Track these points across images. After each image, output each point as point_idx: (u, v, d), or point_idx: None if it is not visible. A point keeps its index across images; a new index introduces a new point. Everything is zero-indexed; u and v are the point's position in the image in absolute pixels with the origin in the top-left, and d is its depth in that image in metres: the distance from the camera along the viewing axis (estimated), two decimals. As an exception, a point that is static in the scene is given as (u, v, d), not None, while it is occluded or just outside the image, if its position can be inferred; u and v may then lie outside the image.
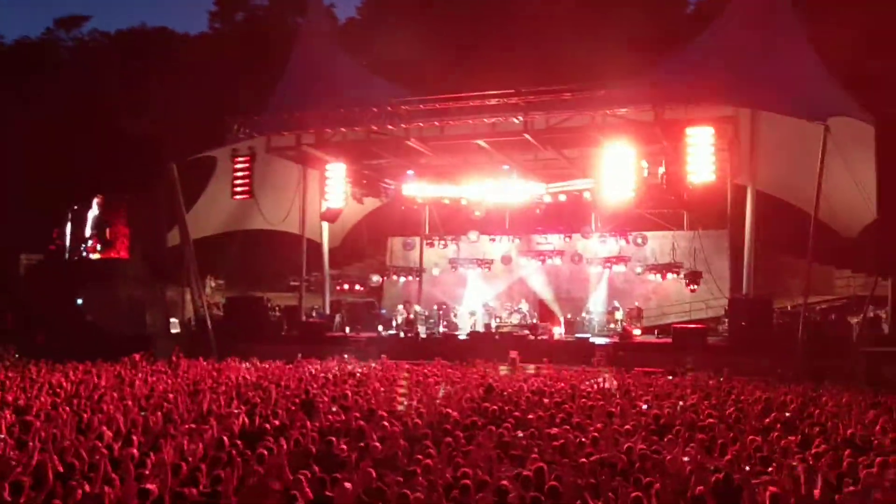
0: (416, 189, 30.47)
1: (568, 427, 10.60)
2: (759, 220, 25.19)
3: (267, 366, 19.82)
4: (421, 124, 25.09)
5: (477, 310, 29.64)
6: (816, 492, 7.02)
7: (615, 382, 16.72)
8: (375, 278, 33.26)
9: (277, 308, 29.79)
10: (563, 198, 28.69)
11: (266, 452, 8.75)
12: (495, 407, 12.26)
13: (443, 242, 32.50)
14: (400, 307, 30.11)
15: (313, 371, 18.86)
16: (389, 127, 25.16)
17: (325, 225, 29.91)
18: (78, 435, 9.74)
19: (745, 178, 25.82)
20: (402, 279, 33.17)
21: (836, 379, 18.67)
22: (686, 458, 8.73)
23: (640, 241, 30.38)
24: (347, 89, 28.38)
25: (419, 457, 8.63)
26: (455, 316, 29.41)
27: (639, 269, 29.90)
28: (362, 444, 9.52)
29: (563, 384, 16.31)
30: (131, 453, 8.44)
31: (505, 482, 7.53)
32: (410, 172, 30.25)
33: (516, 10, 41.61)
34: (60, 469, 7.84)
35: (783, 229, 27.76)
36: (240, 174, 26.07)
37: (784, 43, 24.34)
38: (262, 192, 27.46)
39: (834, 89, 24.17)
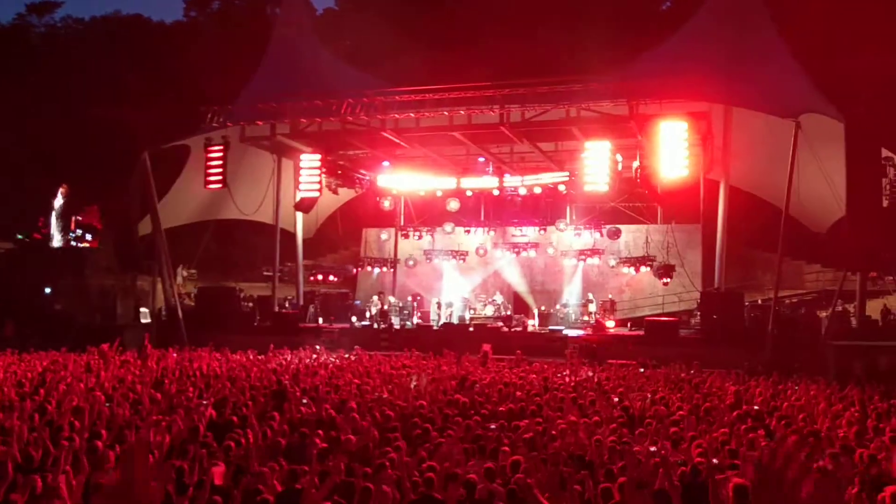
0: (392, 180, 30.39)
1: (539, 419, 10.62)
2: (731, 215, 25.41)
3: (238, 357, 19.65)
4: (397, 115, 24.99)
5: (451, 301, 29.64)
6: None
7: (588, 375, 16.77)
8: (349, 269, 33.19)
9: (250, 298, 29.64)
10: (538, 190, 28.76)
11: (233, 444, 8.68)
12: (467, 399, 12.26)
13: (418, 234, 32.46)
14: (374, 298, 30.07)
15: (285, 362, 18.74)
16: (365, 118, 25.03)
17: (300, 215, 29.72)
18: (42, 426, 9.58)
19: (718, 173, 26.03)
20: (377, 270, 33.15)
21: (805, 372, 18.89)
22: (653, 449, 8.79)
23: (613, 234, 30.53)
24: (323, 79, 28.18)
25: (389, 449, 8.60)
26: (440, 307, 29.31)
27: (612, 262, 30.11)
28: (333, 436, 9.47)
29: (535, 376, 16.35)
30: (96, 445, 8.33)
31: (473, 475, 7.52)
32: (386, 163, 30.18)
33: (494, 4, 41.58)
34: (20, 461, 7.72)
35: (755, 224, 28.06)
36: (213, 163, 25.82)
37: (757, 40, 24.51)
38: (236, 182, 27.24)
39: (805, 86, 24.38)
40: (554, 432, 9.84)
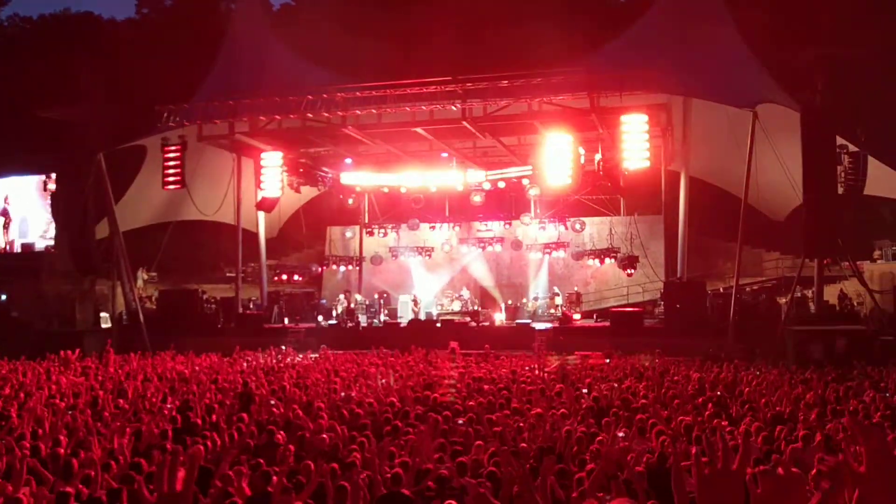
0: (355, 177, 30.25)
1: (507, 412, 10.64)
2: (692, 206, 25.75)
3: (203, 359, 19.41)
4: (358, 112, 24.84)
5: (418, 297, 29.60)
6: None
7: (555, 367, 16.86)
8: (314, 268, 32.98)
9: (213, 300, 29.27)
10: (502, 185, 28.82)
11: (200, 448, 8.55)
12: (436, 395, 12.24)
13: (382, 231, 32.36)
14: (340, 297, 29.93)
15: (251, 363, 18.55)
16: (326, 115, 24.86)
17: (262, 214, 29.45)
18: (3, 435, 9.36)
19: (679, 164, 26.35)
20: (342, 268, 32.96)
21: (766, 357, 19.25)
22: (621, 435, 8.86)
23: (578, 226, 30.74)
24: (282, 76, 27.91)
25: (357, 447, 8.54)
26: (417, 303, 29.25)
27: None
28: (301, 436, 9.38)
29: (504, 370, 16.41)
30: (58, 453, 8.15)
31: (445, 471, 7.50)
32: (348, 161, 30.02)
33: (450, -1, 41.46)
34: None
35: (715, 214, 28.44)
36: (171, 164, 25.48)
37: (714, 32, 24.84)
38: (195, 182, 26.89)
39: (762, 77, 24.77)
40: (522, 425, 9.87)
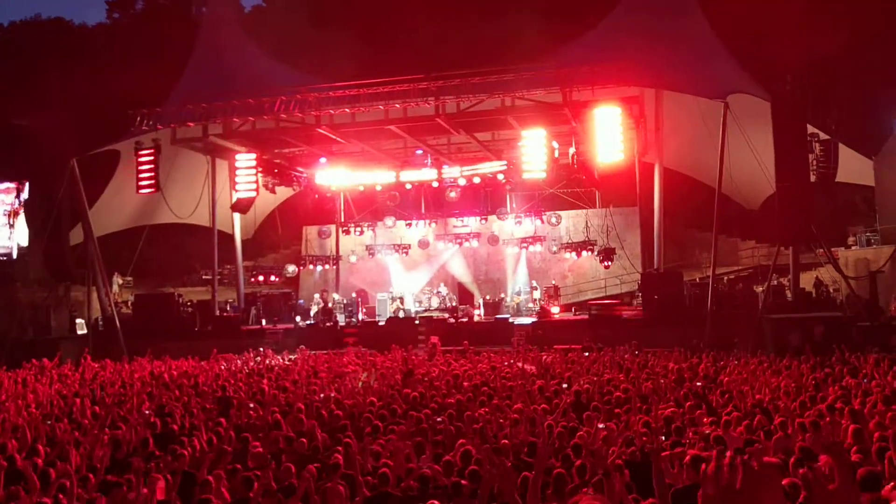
0: (330, 176, 30.11)
1: (487, 409, 10.64)
2: (667, 197, 25.87)
3: (180, 363, 19.23)
4: (332, 111, 24.74)
5: (396, 295, 29.54)
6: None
7: (534, 362, 16.88)
8: (291, 268, 32.81)
9: (189, 303, 29.02)
10: (477, 180, 28.83)
11: (179, 454, 8.46)
12: (416, 393, 12.22)
13: (359, 229, 32.25)
14: (316, 296, 29.81)
15: (229, 367, 18.41)
16: (299, 115, 24.72)
17: (237, 216, 29.24)
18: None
19: (653, 155, 26.45)
20: (319, 268, 32.83)
21: (745, 346, 19.40)
22: (601, 425, 8.89)
23: (554, 220, 30.82)
24: (255, 78, 27.73)
25: (339, 448, 8.50)
26: (402, 302, 29.13)
27: (554, 248, 30.39)
28: (281, 439, 9.32)
29: (483, 366, 16.41)
30: (35, 463, 8.03)
31: (427, 470, 7.48)
32: (323, 160, 29.88)
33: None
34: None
35: (690, 204, 28.66)
36: (144, 167, 25.26)
37: (684, 24, 25.00)
38: (169, 185, 26.69)
39: (732, 68, 24.95)
40: (502, 420, 9.88)
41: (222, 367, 18.18)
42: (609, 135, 22.45)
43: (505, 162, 27.96)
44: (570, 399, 11.23)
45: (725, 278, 27.55)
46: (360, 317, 28.49)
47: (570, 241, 29.98)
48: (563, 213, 31.08)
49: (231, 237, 30.08)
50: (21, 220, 29.12)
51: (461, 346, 20.71)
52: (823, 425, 8.48)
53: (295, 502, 6.70)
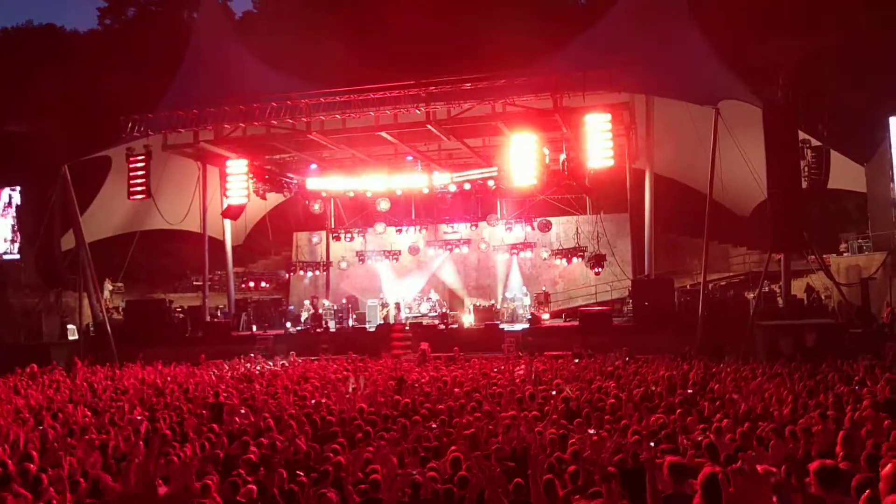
0: (321, 183, 30.09)
1: (478, 415, 10.63)
2: (657, 203, 25.93)
3: (171, 369, 19.17)
4: (322, 117, 24.69)
5: (386, 301, 29.52)
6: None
7: (525, 368, 16.87)
8: (282, 274, 32.78)
9: (180, 309, 28.93)
10: (467, 186, 28.84)
11: (171, 459, 8.43)
12: (407, 399, 12.20)
13: (349, 235, 32.22)
14: (307, 302, 29.76)
15: (219, 372, 18.35)
16: (290, 121, 24.71)
17: (228, 222, 29.19)
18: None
19: (643, 162, 26.54)
20: (310, 274, 32.78)
21: (736, 353, 19.42)
22: (591, 431, 8.89)
23: (544, 226, 30.83)
24: (246, 84, 27.73)
25: (330, 455, 8.48)
26: (397, 308, 29.09)
27: (545, 255, 30.41)
28: (272, 445, 9.30)
29: (473, 372, 16.39)
30: (27, 468, 7.98)
31: (418, 476, 7.47)
32: (314, 166, 29.87)
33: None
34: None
35: (681, 211, 28.69)
36: (136, 173, 25.18)
37: (675, 30, 25.10)
38: (161, 191, 26.60)
39: (723, 74, 25.06)
40: (491, 427, 9.87)
41: (213, 374, 18.13)
42: (599, 141, 22.47)
43: (495, 168, 27.99)
44: (562, 406, 11.24)
45: (716, 285, 27.62)
46: (350, 323, 28.46)
47: (560, 248, 30.02)
48: (553, 220, 31.11)
49: (222, 243, 30.01)
50: (6, 224, 28.90)
51: (451, 353, 20.71)
52: (816, 431, 8.48)
53: None
